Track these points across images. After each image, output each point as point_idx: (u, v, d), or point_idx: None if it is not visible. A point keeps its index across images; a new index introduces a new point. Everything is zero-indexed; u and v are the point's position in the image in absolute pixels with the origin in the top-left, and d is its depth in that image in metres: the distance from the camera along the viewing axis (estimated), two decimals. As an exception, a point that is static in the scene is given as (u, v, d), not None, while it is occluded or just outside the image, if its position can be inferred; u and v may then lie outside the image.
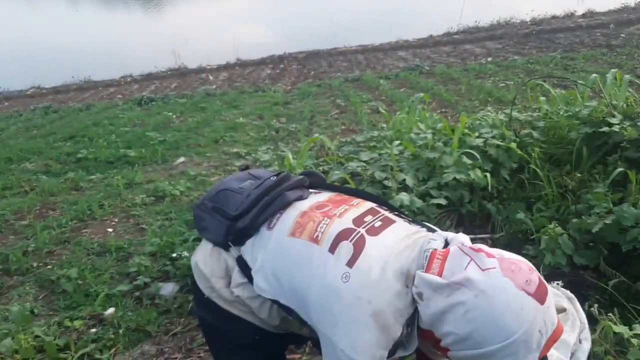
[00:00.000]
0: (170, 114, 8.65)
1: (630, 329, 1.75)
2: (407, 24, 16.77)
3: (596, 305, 2.04)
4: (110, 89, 13.56)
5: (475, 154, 3.16)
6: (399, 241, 1.30)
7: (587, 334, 1.80)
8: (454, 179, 2.97)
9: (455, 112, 6.61)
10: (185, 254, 3.38)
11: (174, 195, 4.72)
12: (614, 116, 3.20)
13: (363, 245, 1.27)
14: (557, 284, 2.05)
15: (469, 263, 1.17)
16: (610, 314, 1.96)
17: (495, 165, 3.27)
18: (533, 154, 3.34)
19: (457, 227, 3.13)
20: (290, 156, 3.54)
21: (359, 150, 3.77)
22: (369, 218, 1.35)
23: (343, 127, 6.82)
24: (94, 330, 2.82)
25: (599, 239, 2.54)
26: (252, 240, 1.43)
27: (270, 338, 1.52)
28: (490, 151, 3.25)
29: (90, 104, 11.28)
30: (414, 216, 2.96)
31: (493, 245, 3.46)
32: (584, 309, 2.12)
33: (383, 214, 1.39)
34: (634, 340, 1.71)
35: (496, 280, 1.13)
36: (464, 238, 1.30)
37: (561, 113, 3.77)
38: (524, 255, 2.67)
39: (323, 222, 1.35)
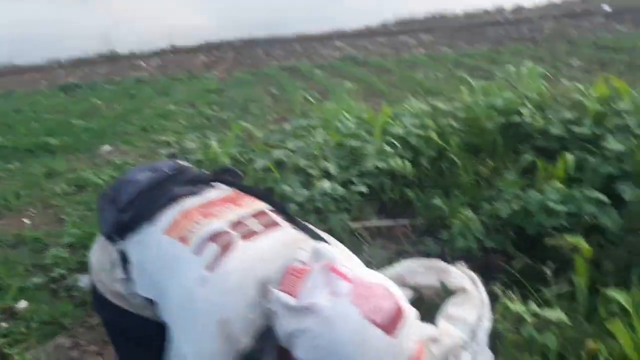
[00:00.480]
0: (98, 100, 8.34)
1: (524, 306, 1.85)
2: (344, 14, 16.86)
3: (499, 284, 2.15)
4: (34, 74, 12.92)
5: (396, 142, 3.24)
6: (271, 249, 1.24)
7: (487, 312, 1.89)
8: (376, 167, 3.04)
9: (386, 102, 6.73)
10: (106, 244, 3.30)
11: (97, 184, 4.58)
12: (525, 107, 3.36)
13: (231, 249, 1.21)
14: (461, 264, 2.14)
15: (323, 286, 1.11)
16: (511, 293, 2.07)
17: (416, 154, 3.36)
18: (452, 143, 3.46)
19: (379, 214, 3.21)
20: (215, 144, 3.50)
21: (286, 139, 3.78)
22: (251, 221, 1.30)
23: (276, 116, 6.81)
24: (4, 324, 2.71)
25: (507, 223, 2.67)
26: (135, 235, 1.37)
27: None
28: (411, 140, 3.34)
29: (11, 89, 10.72)
30: (336, 204, 3.01)
31: (413, 231, 3.62)
32: (490, 290, 2.22)
33: (270, 219, 1.33)
34: (528, 317, 1.81)
35: (341, 308, 1.07)
36: (336, 252, 1.21)
37: (480, 104, 3.92)
38: (438, 240, 2.81)
39: (198, 222, 1.29)
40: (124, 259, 1.37)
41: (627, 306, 1.78)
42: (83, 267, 3.19)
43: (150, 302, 1.33)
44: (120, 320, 1.46)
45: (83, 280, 3.05)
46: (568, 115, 3.15)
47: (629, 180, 2.62)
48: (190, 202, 1.37)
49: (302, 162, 3.10)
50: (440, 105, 4.01)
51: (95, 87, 9.84)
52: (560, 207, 2.50)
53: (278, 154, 3.31)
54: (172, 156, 4.42)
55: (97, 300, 1.47)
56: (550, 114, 3.23)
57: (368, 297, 1.09)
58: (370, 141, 3.21)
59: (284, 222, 1.35)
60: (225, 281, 1.17)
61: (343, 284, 1.10)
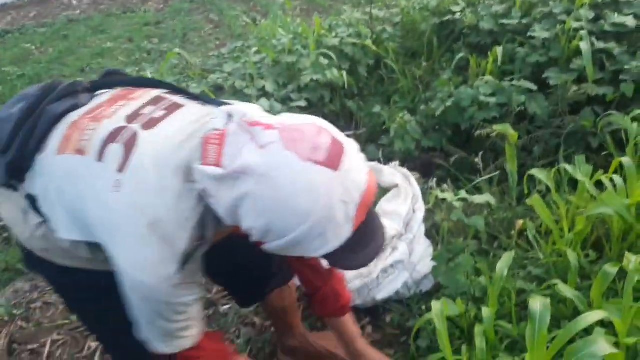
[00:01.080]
0: (29, 45, 7.92)
1: (456, 195, 1.95)
2: None
3: (434, 179, 2.25)
4: (-42, 24, 12.09)
5: (331, 54, 3.22)
6: (181, 130, 1.08)
7: (420, 204, 1.99)
8: (312, 80, 3.03)
9: (328, 16, 6.60)
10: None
11: (38, 131, 4.45)
12: (457, 4, 3.36)
13: (134, 143, 1.06)
14: (394, 164, 2.21)
15: (246, 143, 1.00)
16: (445, 185, 2.17)
17: (353, 64, 3.36)
18: (389, 50, 3.47)
19: (323, 128, 3.23)
20: (149, 74, 3.42)
21: (224, 63, 3.71)
22: (148, 109, 1.13)
23: (217, 43, 6.62)
24: (-41, 276, 2.71)
25: (442, 121, 2.74)
26: (31, 173, 1.18)
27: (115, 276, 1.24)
28: (347, 50, 3.32)
29: None
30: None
31: (357, 141, 3.68)
32: (427, 185, 2.32)
33: (170, 101, 1.17)
34: (457, 204, 1.91)
35: (276, 158, 0.96)
36: (247, 108, 1.09)
37: (415, 7, 3.90)
38: (380, 146, 2.88)
39: (88, 128, 1.12)
40: (32, 202, 1.19)
41: (548, 183, 1.89)
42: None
43: (85, 244, 1.16)
44: (61, 279, 1.30)
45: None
46: (498, 8, 3.16)
47: (556, 67, 2.70)
48: (76, 115, 1.19)
49: (239, 84, 3.07)
50: (376, 12, 3.97)
51: (26, 32, 9.31)
52: (490, 100, 2.57)
53: (214, 78, 3.26)
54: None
55: (29, 259, 1.30)
56: (481, 9, 3.24)
57: (300, 139, 0.97)
58: (305, 55, 3.18)
59: (187, 100, 1.19)
60: (141, 179, 1.03)
61: (268, 133, 0.98)
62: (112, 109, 1.15)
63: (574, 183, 2.08)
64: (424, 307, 1.88)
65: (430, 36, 3.44)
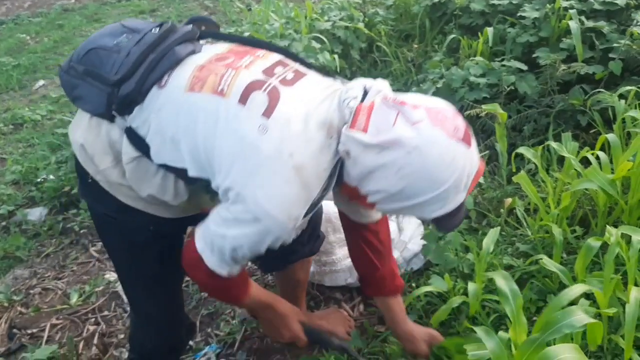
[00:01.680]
0: (24, 35, 7.90)
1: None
2: None
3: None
4: (-47, 15, 12.03)
5: (324, 37, 3.23)
6: (319, 92, 1.18)
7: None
8: (304, 64, 3.04)
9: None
10: (51, 177, 3.30)
11: (35, 120, 4.47)
12: (448, -14, 3.35)
13: (278, 96, 1.13)
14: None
15: (396, 117, 1.10)
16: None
17: (345, 47, 3.37)
18: (382, 32, 3.47)
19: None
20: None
21: (217, 49, 3.72)
22: (279, 69, 1.20)
23: (212, 29, 6.60)
24: (-41, 264, 2.75)
25: (434, 102, 2.75)
26: (141, 107, 1.23)
27: (166, 226, 1.38)
28: (339, 33, 3.33)
29: None
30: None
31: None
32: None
33: (293, 66, 1.24)
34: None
35: (427, 134, 1.07)
36: (382, 85, 1.20)
37: (408, -11, 3.89)
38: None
39: (227, 74, 1.17)
40: (132, 136, 1.24)
41: (535, 161, 1.92)
42: (30, 201, 3.21)
43: (179, 173, 1.23)
44: (117, 216, 1.36)
45: (33, 214, 3.08)
46: (489, -11, 3.16)
47: (546, 46, 2.71)
48: (201, 59, 1.24)
49: (232, 69, 3.07)
50: (368, -5, 3.97)
51: (21, 22, 9.26)
52: (481, 80, 2.58)
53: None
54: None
55: (91, 191, 1.35)
56: (472, -11, 3.23)
57: (444, 119, 1.09)
58: (297, 39, 3.19)
59: (306, 69, 1.26)
60: (287, 126, 1.11)
61: (417, 111, 1.09)
62: (244, 61, 1.21)
63: (562, 160, 2.11)
64: (414, 285, 1.91)
65: (423, 18, 3.45)
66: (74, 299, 2.36)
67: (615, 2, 2.67)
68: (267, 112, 1.11)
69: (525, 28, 2.82)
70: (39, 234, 2.91)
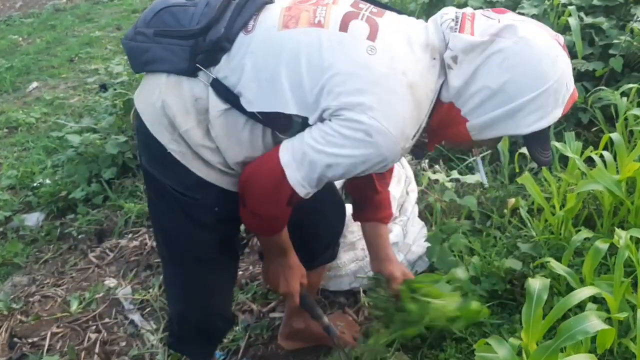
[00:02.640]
0: (16, 36, 7.82)
1: (447, 176, 1.96)
2: None
3: (426, 160, 2.25)
4: (-57, 17, 11.92)
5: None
6: (407, 20, 1.21)
7: (413, 186, 2.00)
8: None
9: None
10: (47, 181, 3.27)
11: (29, 123, 4.43)
12: (445, -17, 3.33)
13: (376, 23, 1.15)
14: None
15: (499, 20, 1.12)
16: (437, 166, 2.18)
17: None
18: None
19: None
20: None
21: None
22: (363, 5, 1.21)
23: (206, 28, 6.57)
24: (-44, 272, 2.71)
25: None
26: (228, 55, 1.19)
27: (231, 209, 1.31)
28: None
29: None
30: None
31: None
32: (420, 167, 2.33)
33: (370, 5, 1.23)
34: (449, 184, 1.92)
35: (533, 29, 1.10)
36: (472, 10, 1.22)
37: (404, -14, 3.87)
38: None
39: (319, 9, 1.17)
40: (219, 88, 1.19)
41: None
42: (27, 207, 3.18)
43: (274, 118, 1.18)
44: (186, 192, 1.30)
45: (30, 220, 3.05)
46: (487, -15, 3.14)
47: (545, 43, 2.68)
48: (281, 2, 1.23)
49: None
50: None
51: (12, 23, 9.18)
52: (481, 79, 2.56)
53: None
54: (102, 86, 4.27)
55: (157, 161, 1.30)
56: (470, -14, 3.21)
57: (544, 27, 1.14)
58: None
59: (383, 9, 1.25)
60: (395, 48, 1.12)
61: (517, 15, 1.14)
62: (327, 0, 1.21)
63: (565, 160, 2.09)
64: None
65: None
66: (74, 306, 2.34)
67: (614, -3, 2.65)
68: (371, 36, 1.12)
69: (524, 25, 2.79)
70: (36, 239, 2.88)
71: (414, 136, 1.15)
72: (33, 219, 3.05)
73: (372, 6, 1.22)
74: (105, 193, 3.04)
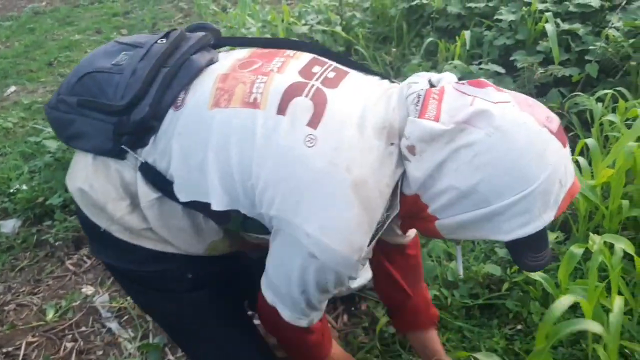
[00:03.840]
0: (-6, 40, 7.74)
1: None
2: None
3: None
4: None
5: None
6: (367, 91, 1.00)
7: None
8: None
9: (299, 1, 6.55)
10: (24, 187, 3.21)
11: (6, 128, 4.36)
12: (425, -12, 3.35)
13: (324, 99, 0.96)
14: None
15: (473, 100, 0.91)
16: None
17: (323, 51, 3.35)
18: (359, 35, 3.45)
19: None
20: (117, 68, 3.36)
21: (193, 53, 3.67)
22: (317, 69, 1.02)
23: (188, 32, 6.54)
24: None
25: (413, 107, 2.75)
26: (156, 136, 1.03)
27: (205, 269, 1.18)
28: (317, 37, 3.30)
29: None
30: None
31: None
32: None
33: (331, 64, 1.06)
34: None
35: (513, 115, 0.88)
36: (451, 78, 1.02)
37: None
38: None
39: (258, 80, 1.00)
40: (148, 173, 1.03)
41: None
42: (3, 213, 3.12)
43: (210, 210, 1.00)
44: (144, 269, 1.14)
45: (6, 226, 3.00)
46: (465, -9, 3.17)
47: (523, 49, 2.72)
48: (221, 67, 1.06)
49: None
50: (345, -3, 3.95)
51: (-10, 26, 9.07)
52: (459, 84, 2.58)
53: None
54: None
55: (106, 246, 1.14)
56: (448, -8, 3.24)
57: (534, 105, 0.91)
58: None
59: (346, 68, 1.08)
60: (341, 136, 0.93)
61: (500, 93, 0.92)
62: (274, 64, 1.03)
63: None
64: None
65: (400, 21, 3.44)
66: (50, 315, 2.30)
67: (590, 4, 2.69)
68: (314, 120, 0.94)
69: (502, 31, 2.83)
70: (12, 247, 2.83)
71: (371, 241, 0.97)
72: (9, 225, 3.00)
73: (332, 67, 1.04)
74: (82, 199, 2.99)
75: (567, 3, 2.75)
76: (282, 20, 3.50)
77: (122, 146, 1.04)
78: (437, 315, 1.46)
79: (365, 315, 1.95)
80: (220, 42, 1.18)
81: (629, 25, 2.50)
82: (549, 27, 2.54)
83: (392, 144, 0.95)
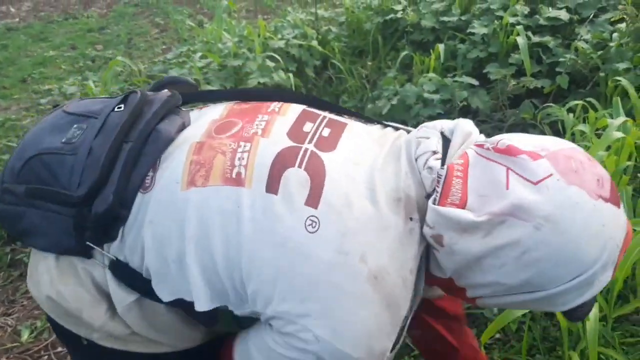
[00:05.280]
0: (-34, 57, 7.62)
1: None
2: None
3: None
4: None
5: (278, 56, 3.22)
6: (371, 150, 0.85)
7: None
8: (259, 83, 3.03)
9: (275, 16, 6.58)
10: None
11: (-21, 146, 4.29)
12: (399, 3, 3.41)
13: (322, 168, 0.80)
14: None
15: (507, 175, 0.75)
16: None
17: (300, 65, 3.37)
18: (335, 49, 3.49)
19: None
20: (92, 84, 3.34)
21: (169, 68, 3.66)
22: (308, 126, 0.87)
23: (164, 47, 6.52)
24: None
25: (390, 119, 2.77)
26: (124, 226, 0.85)
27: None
28: (293, 51, 3.33)
29: None
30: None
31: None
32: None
33: (324, 116, 0.90)
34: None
35: (562, 195, 0.73)
36: (468, 125, 0.87)
37: (359, 6, 3.94)
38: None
39: (240, 149, 0.83)
40: (120, 271, 0.86)
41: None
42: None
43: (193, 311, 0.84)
44: None
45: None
46: (438, 6, 3.23)
47: (496, 62, 2.77)
48: (195, 134, 0.88)
49: (186, 90, 3.02)
50: (321, 12, 3.99)
51: (-38, 42, 8.93)
52: (434, 96, 2.62)
53: (160, 85, 3.21)
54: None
55: (85, 354, 0.97)
56: (422, 6, 3.30)
57: (579, 169, 0.75)
58: (251, 58, 3.17)
59: (341, 117, 0.93)
60: (346, 215, 0.76)
61: (538, 163, 0.75)
62: (257, 125, 0.87)
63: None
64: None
65: (375, 35, 3.48)
66: (25, 335, 2.25)
67: (560, 17, 2.76)
68: (313, 197, 0.77)
69: (475, 44, 2.88)
70: (-20, 264, 2.78)
71: (394, 345, 0.81)
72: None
73: (325, 121, 0.89)
74: (58, 217, 2.95)
75: (537, 17, 2.82)
76: (259, 35, 3.51)
77: (87, 242, 0.86)
78: None
79: None
80: (190, 98, 1.00)
81: (597, 38, 2.58)
82: (520, 40, 2.60)
83: (411, 219, 0.79)
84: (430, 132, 0.86)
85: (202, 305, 0.82)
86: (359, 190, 0.78)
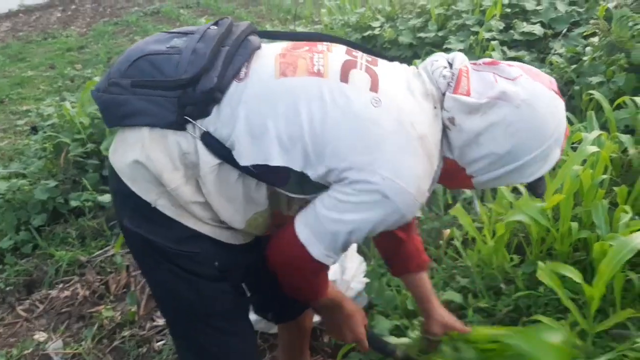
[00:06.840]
0: (-57, 77, 7.52)
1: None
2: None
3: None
4: None
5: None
6: (400, 69, 1.17)
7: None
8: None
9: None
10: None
11: (-44, 168, 4.21)
12: (377, 19, 3.43)
13: (374, 72, 1.10)
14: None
15: (494, 76, 1.10)
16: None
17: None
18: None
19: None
20: (69, 105, 3.30)
21: (148, 88, 3.63)
22: (356, 53, 1.16)
23: (144, 66, 6.50)
24: None
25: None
26: (219, 106, 1.09)
27: (231, 260, 1.23)
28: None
29: None
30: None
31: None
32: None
33: (363, 53, 1.18)
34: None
35: (530, 87, 1.09)
36: (463, 57, 1.18)
37: (338, 23, 3.97)
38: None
39: (316, 56, 1.11)
40: (210, 142, 1.09)
41: (468, 191, 1.95)
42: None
43: (267, 172, 1.08)
44: (180, 249, 1.16)
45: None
46: (415, 22, 3.26)
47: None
48: (275, 49, 1.16)
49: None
50: (300, 29, 4.01)
51: (-62, 63, 8.83)
52: (413, 112, 2.63)
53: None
54: (33, 129, 4.13)
55: (144, 219, 1.16)
56: (399, 23, 3.33)
57: (538, 73, 1.12)
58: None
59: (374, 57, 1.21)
60: (399, 99, 1.08)
61: (511, 68, 1.11)
62: (321, 48, 1.16)
63: (496, 189, 2.15)
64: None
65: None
66: (0, 364, 2.20)
67: (534, 32, 2.80)
68: (374, 87, 1.07)
69: (452, 59, 2.91)
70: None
71: (429, 189, 1.13)
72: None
73: (365, 54, 1.18)
74: (34, 241, 2.90)
75: (512, 32, 2.86)
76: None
77: (185, 117, 1.08)
78: (428, 261, 1.56)
79: (327, 346, 1.94)
80: (260, 34, 1.25)
81: (571, 52, 2.61)
82: (496, 55, 2.63)
83: (435, 107, 1.11)
84: (438, 57, 1.18)
85: (293, 163, 1.07)
86: (402, 88, 1.10)
